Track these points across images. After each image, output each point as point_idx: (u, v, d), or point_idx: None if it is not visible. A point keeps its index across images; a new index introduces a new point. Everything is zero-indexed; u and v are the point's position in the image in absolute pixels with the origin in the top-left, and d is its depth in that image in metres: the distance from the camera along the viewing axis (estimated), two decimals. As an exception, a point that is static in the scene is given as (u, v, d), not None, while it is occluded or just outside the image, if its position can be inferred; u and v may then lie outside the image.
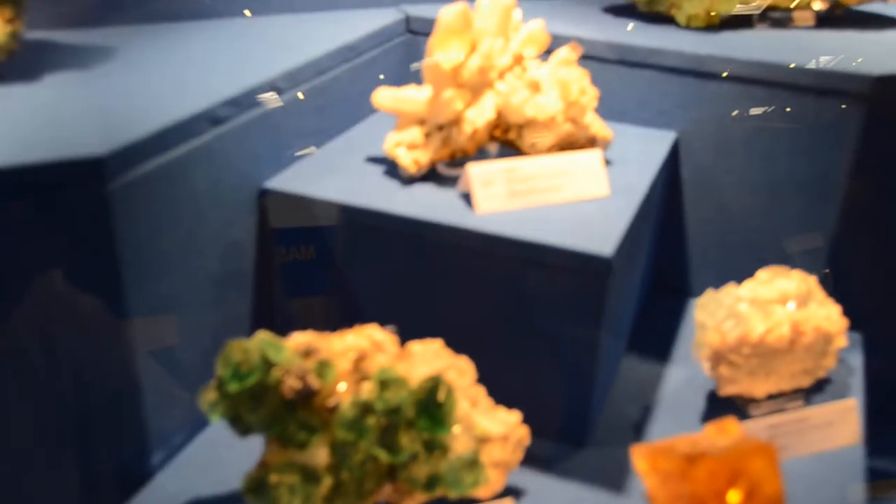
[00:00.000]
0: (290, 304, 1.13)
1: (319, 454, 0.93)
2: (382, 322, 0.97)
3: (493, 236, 0.98)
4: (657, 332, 1.30)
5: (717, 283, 1.29)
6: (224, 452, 1.03)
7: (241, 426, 0.92)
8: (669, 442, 0.91)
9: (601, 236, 0.97)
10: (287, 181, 1.08)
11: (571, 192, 1.06)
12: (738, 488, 0.85)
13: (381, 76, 1.31)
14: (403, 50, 1.39)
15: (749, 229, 1.31)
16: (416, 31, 1.39)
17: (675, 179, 1.32)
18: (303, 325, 1.00)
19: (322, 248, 1.08)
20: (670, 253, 1.37)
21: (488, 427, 0.96)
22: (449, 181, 1.09)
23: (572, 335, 1.01)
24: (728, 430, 0.92)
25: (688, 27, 1.38)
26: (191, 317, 1.01)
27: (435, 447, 0.94)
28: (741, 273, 1.25)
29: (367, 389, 0.93)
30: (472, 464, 0.94)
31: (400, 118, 1.11)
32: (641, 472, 0.91)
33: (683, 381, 1.19)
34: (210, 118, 0.96)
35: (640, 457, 0.91)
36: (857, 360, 1.24)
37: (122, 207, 0.86)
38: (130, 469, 0.98)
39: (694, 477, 0.84)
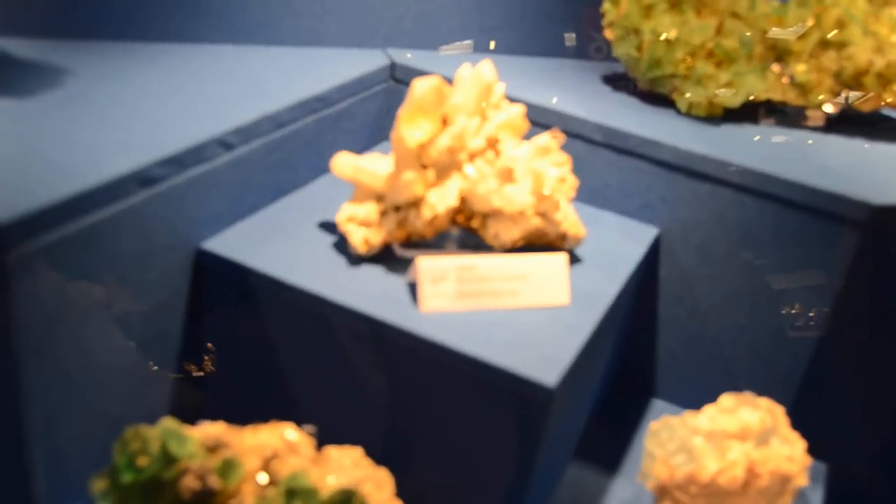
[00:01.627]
0: (215, 375, 1.05)
1: (211, 559, 0.86)
2: (304, 412, 0.90)
3: (432, 342, 0.90)
4: (611, 437, 1.22)
5: (683, 387, 1.23)
6: (121, 527, 0.96)
7: (130, 521, 0.85)
8: None
9: (548, 360, 0.89)
10: (225, 244, 1.00)
11: (528, 298, 0.98)
12: None
13: (353, 126, 1.23)
14: (384, 98, 1.30)
15: (722, 340, 1.23)
16: (400, 80, 1.30)
17: (651, 276, 1.24)
18: (224, 401, 0.93)
19: (253, 320, 1.01)
20: (637, 350, 1.29)
21: (400, 548, 0.88)
22: (401, 264, 1.01)
23: (506, 457, 0.93)
24: None
25: (688, 114, 1.30)
26: (103, 382, 0.93)
27: (338, 567, 0.86)
28: (708, 382, 1.19)
29: (273, 496, 0.85)
30: (376, 591, 0.86)
31: (357, 189, 1.03)
32: None
33: (628, 499, 1.12)
34: (141, 179, 0.88)
35: None
36: (817, 496, 1.17)
37: (25, 277, 0.78)
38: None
39: None
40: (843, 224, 1.11)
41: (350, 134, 1.24)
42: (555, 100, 1.25)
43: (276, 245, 1.02)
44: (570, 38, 1.48)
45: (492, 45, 1.45)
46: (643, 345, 1.29)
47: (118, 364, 0.95)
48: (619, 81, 1.41)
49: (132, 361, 0.97)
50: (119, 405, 0.97)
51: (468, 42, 1.35)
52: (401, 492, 0.89)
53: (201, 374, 1.06)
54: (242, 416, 0.89)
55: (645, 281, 1.23)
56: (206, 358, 1.05)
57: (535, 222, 1.03)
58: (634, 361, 1.30)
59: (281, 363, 1.01)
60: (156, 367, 1.00)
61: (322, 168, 1.19)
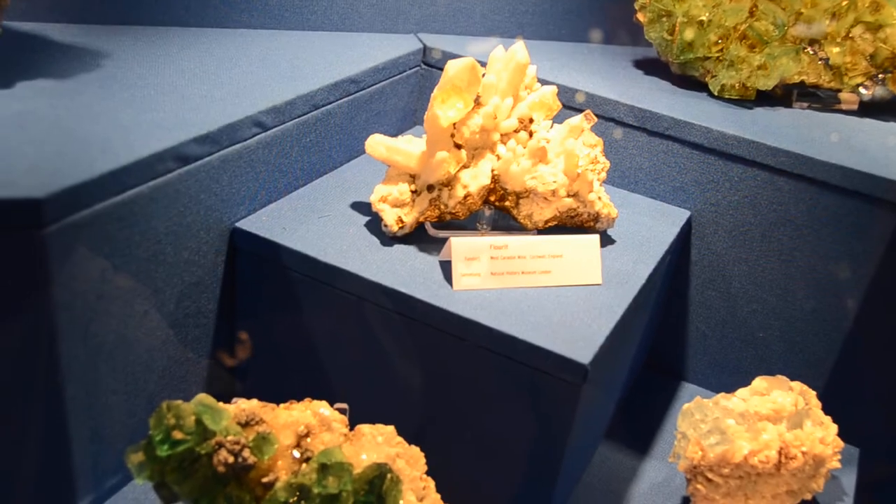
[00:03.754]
0: (250, 354, 1.06)
1: (247, 532, 0.86)
2: (337, 392, 0.91)
3: (465, 320, 0.90)
4: (642, 419, 1.22)
5: (714, 371, 1.22)
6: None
7: (167, 493, 0.86)
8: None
9: (582, 338, 0.89)
10: (259, 224, 1.01)
11: (561, 278, 0.98)
12: None
13: (386, 109, 1.23)
14: (416, 81, 1.31)
15: (754, 324, 1.22)
16: (432, 65, 1.31)
17: (683, 259, 1.23)
18: (257, 381, 0.94)
19: (287, 300, 1.01)
20: (668, 334, 1.29)
21: (433, 524, 0.89)
22: (434, 244, 1.02)
23: (538, 436, 0.93)
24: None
25: (720, 98, 1.29)
26: (138, 359, 0.94)
27: (371, 541, 0.87)
28: (739, 366, 1.18)
29: (307, 471, 0.86)
30: (408, 565, 0.87)
31: (390, 169, 1.03)
32: None
33: (658, 484, 1.12)
34: (177, 156, 0.89)
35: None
36: (850, 479, 1.16)
37: (62, 253, 0.79)
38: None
39: None
40: (879, 205, 1.10)
41: (382, 117, 1.24)
42: (587, 81, 1.25)
43: (309, 225, 1.02)
44: (601, 24, 1.47)
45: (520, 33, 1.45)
46: (674, 327, 1.28)
47: (154, 341, 0.96)
48: (651, 65, 1.41)
49: (167, 339, 0.97)
50: (155, 382, 0.98)
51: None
52: (433, 470, 0.90)
53: (236, 354, 1.07)
54: (276, 394, 0.90)
55: (677, 264, 1.23)
56: (240, 338, 1.06)
57: (568, 202, 1.03)
58: (666, 344, 1.30)
59: (314, 343, 1.02)
60: (191, 346, 1.01)
61: (355, 151, 1.20)
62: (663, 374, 1.31)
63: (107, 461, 0.96)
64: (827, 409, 1.09)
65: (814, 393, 1.09)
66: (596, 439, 1.16)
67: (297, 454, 0.87)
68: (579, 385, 0.87)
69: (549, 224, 1.04)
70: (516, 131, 1.02)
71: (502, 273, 0.96)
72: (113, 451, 0.96)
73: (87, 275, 0.84)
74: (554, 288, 0.97)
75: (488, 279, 0.96)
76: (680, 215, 1.19)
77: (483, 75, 0.99)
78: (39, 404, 0.86)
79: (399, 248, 1.01)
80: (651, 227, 1.13)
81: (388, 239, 1.02)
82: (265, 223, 1.02)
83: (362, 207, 1.08)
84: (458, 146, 0.99)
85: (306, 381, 1.02)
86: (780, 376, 1.09)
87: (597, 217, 1.06)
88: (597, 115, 1.18)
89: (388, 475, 0.87)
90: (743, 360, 1.23)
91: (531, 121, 1.03)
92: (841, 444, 1.08)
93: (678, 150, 1.19)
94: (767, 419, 1.03)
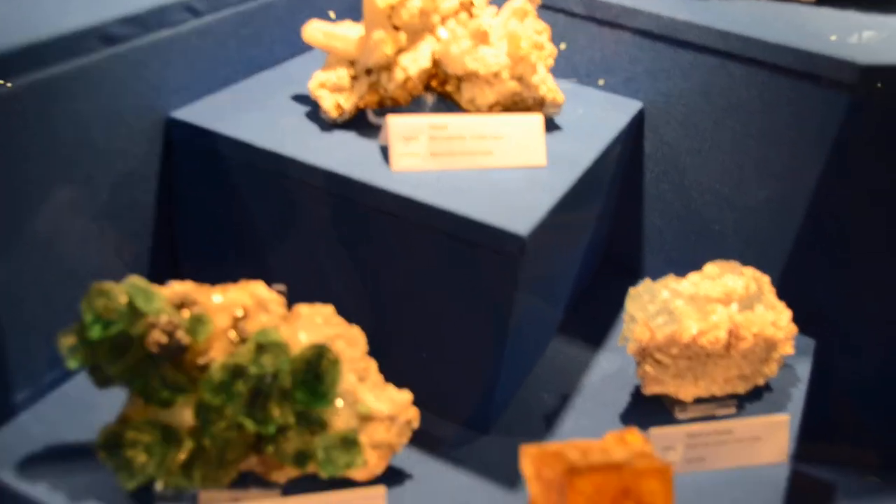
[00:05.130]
0: (189, 244, 1.04)
1: (184, 415, 0.85)
2: (278, 278, 0.89)
3: (402, 198, 0.89)
4: (596, 315, 1.21)
5: (670, 267, 1.20)
6: (100, 397, 0.96)
7: (101, 376, 0.84)
8: (561, 446, 0.82)
9: (521, 212, 0.88)
10: (196, 113, 0.99)
11: (503, 158, 0.96)
12: (624, 508, 0.76)
13: (332, 13, 1.20)
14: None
15: (708, 217, 1.21)
16: (379, -38, 1.27)
17: (636, 153, 1.22)
18: (198, 272, 0.92)
19: (226, 189, 0.99)
20: (624, 230, 1.28)
21: (374, 405, 0.88)
22: (374, 130, 1.00)
23: (480, 315, 0.92)
24: (628, 442, 0.83)
25: (671, -15, 1.26)
26: (74, 249, 0.93)
27: (310, 421, 0.86)
28: (695, 260, 1.16)
29: (243, 351, 0.85)
30: (349, 443, 0.86)
31: (329, 56, 1.01)
32: (527, 476, 0.82)
33: (611, 373, 1.11)
34: (101, 36, 0.86)
35: (527, 459, 0.82)
36: (804, 368, 1.15)
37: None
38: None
39: (578, 490, 0.75)
40: (831, 87, 1.08)
41: (325, 15, 1.21)
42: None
43: (248, 114, 1.00)
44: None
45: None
46: (630, 224, 1.27)
47: (89, 232, 0.94)
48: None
49: (103, 230, 0.95)
50: (92, 275, 0.96)
51: None
52: (375, 352, 0.89)
53: (176, 245, 1.05)
54: (216, 282, 0.88)
55: (630, 157, 1.21)
56: (180, 229, 1.04)
57: (511, 86, 1.01)
58: (621, 241, 1.29)
59: (255, 231, 1.00)
60: (129, 238, 0.99)
61: (298, 47, 1.17)
62: (619, 272, 1.29)
63: (44, 355, 0.94)
64: (783, 301, 1.08)
65: (767, 279, 1.08)
66: (548, 332, 1.15)
67: (233, 336, 0.86)
68: (518, 258, 0.86)
69: (494, 110, 1.02)
70: (456, 13, 1.00)
71: (442, 153, 0.94)
72: (50, 346, 0.94)
73: (12, 155, 0.81)
74: (496, 169, 0.96)
75: (428, 160, 0.94)
76: (631, 106, 1.17)
77: (420, -47, 0.97)
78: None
79: (339, 134, 0.99)
80: (600, 116, 1.12)
81: (329, 126, 1.00)
82: (201, 113, 1.00)
83: (303, 99, 1.05)
84: (397, 28, 0.97)
85: (247, 268, 1.00)
86: (733, 262, 1.07)
87: (542, 102, 1.03)
88: (546, 7, 1.16)
89: (327, 355, 0.86)
90: (699, 254, 1.22)
91: (472, 3, 1.01)
92: (794, 329, 1.07)
93: (628, 38, 1.17)
94: (718, 302, 1.02)
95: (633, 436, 0.84)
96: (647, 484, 0.77)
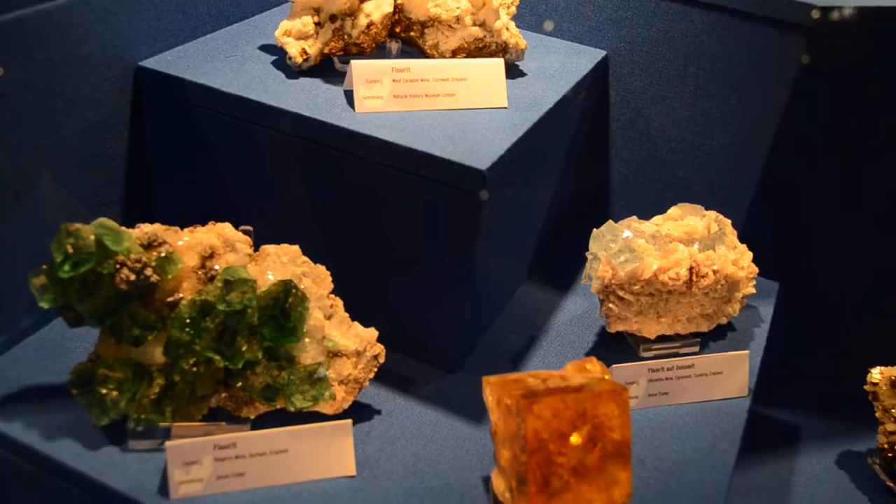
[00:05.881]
0: (162, 192, 1.06)
1: (155, 353, 0.87)
2: (248, 221, 0.91)
3: (366, 136, 0.90)
4: (564, 261, 1.23)
5: (638, 215, 1.22)
6: (75, 342, 0.98)
7: (72, 315, 0.86)
8: (521, 375, 0.84)
9: (482, 149, 0.90)
10: (165, 62, 1.01)
11: (465, 101, 0.98)
12: (581, 431, 0.79)
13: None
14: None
15: (674, 164, 1.23)
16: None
17: (601, 102, 1.23)
18: (170, 219, 0.94)
19: (195, 136, 1.01)
20: (592, 180, 1.30)
21: (341, 341, 0.90)
22: (339, 77, 1.01)
23: (444, 253, 0.94)
24: (588, 370, 0.86)
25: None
26: (46, 197, 0.94)
27: (278, 357, 0.88)
28: (662, 208, 1.18)
29: (211, 288, 0.87)
30: (316, 378, 0.88)
31: (294, 4, 1.02)
32: (488, 405, 0.85)
33: (578, 315, 1.13)
34: (64, -20, 0.88)
35: (488, 388, 0.85)
36: (767, 310, 1.18)
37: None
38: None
39: (536, 414, 0.78)
40: (789, 31, 1.10)
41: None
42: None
43: (216, 63, 1.02)
44: None
45: None
46: (597, 173, 1.29)
47: (60, 179, 0.96)
48: None
49: (75, 178, 0.97)
50: (63, 220, 0.97)
51: None
52: (342, 292, 0.90)
53: (147, 193, 1.07)
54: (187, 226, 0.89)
55: (596, 107, 1.23)
56: (151, 177, 1.06)
57: (474, 31, 1.03)
58: (590, 191, 1.31)
59: (224, 175, 1.02)
60: (101, 186, 1.01)
61: (267, 2, 1.19)
62: (588, 221, 1.30)
63: (19, 302, 0.96)
64: (749, 246, 1.10)
65: (729, 221, 1.10)
66: (516, 277, 1.17)
67: (202, 275, 0.88)
68: (479, 192, 0.88)
69: (457, 56, 1.04)
70: (419, -40, 1.01)
71: (405, 96, 0.96)
72: (25, 293, 0.96)
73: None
74: (458, 111, 0.97)
75: (391, 102, 0.96)
76: (594, 54, 1.18)
77: None
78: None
79: (305, 80, 1.00)
80: (564, 64, 1.13)
81: (295, 73, 1.02)
82: (170, 62, 1.01)
83: (271, 49, 1.07)
84: (360, -25, 0.99)
85: (217, 213, 1.02)
86: (696, 205, 1.09)
87: (505, 47, 1.05)
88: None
89: (293, 291, 0.88)
90: (666, 202, 1.23)
91: (434, -50, 1.02)
92: (755, 269, 1.10)
93: (592, -13, 1.19)
94: (679, 241, 1.04)
95: (593, 364, 0.87)
96: (603, 407, 0.80)
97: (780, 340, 1.15)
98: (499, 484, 0.82)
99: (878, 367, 1.17)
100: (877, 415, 1.17)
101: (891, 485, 1.20)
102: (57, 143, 0.94)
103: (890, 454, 1.17)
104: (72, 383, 0.86)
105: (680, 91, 1.18)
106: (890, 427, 1.16)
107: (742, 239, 1.12)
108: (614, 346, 1.07)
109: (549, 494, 0.78)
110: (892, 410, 1.16)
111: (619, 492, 0.79)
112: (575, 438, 0.79)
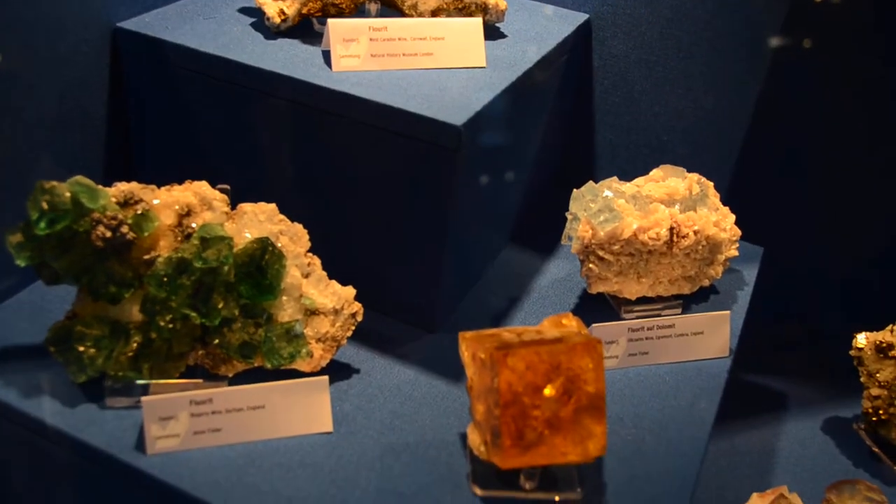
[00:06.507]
0: (142, 153, 1.06)
1: (132, 311, 0.87)
2: (226, 181, 0.91)
3: (342, 94, 0.90)
4: (548, 226, 1.22)
5: (622, 178, 1.22)
6: (54, 304, 0.98)
7: (48, 273, 0.86)
8: (496, 331, 0.84)
9: (458, 105, 0.89)
10: (144, 23, 1.00)
11: (443, 60, 0.98)
12: (555, 384, 0.79)
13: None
14: None
15: (658, 128, 1.23)
16: None
17: (586, 67, 1.23)
18: (150, 179, 0.94)
19: (174, 97, 1.01)
20: (576, 145, 1.29)
21: (318, 299, 0.90)
22: (318, 38, 1.01)
23: (422, 211, 0.94)
24: (563, 325, 0.86)
25: None
26: (23, 156, 0.94)
27: (255, 314, 0.88)
28: (647, 172, 1.18)
29: (188, 246, 0.87)
30: (293, 335, 0.88)
31: (273, -35, 1.02)
32: (464, 360, 0.85)
33: (560, 278, 1.13)
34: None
35: (464, 344, 0.85)
36: (751, 274, 1.17)
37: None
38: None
39: (510, 366, 0.78)
40: (770, -9, 1.09)
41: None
42: None
43: (194, 24, 1.02)
44: None
45: None
46: (582, 139, 1.28)
47: (36, 139, 0.95)
48: None
49: (51, 138, 0.97)
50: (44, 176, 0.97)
51: None
52: (320, 250, 0.90)
53: (128, 154, 1.07)
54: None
55: (580, 72, 1.23)
56: (131, 139, 1.06)
57: (454, -8, 1.02)
58: (575, 157, 1.30)
59: (203, 135, 1.02)
60: (80, 147, 1.01)
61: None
62: (573, 186, 1.30)
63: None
64: (733, 211, 1.10)
65: (711, 184, 1.10)
66: (498, 240, 1.17)
67: (178, 233, 0.88)
68: (455, 150, 0.88)
69: (437, 16, 1.03)
70: (398, -80, 1.01)
71: (382, 55, 0.96)
72: (3, 254, 0.96)
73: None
74: (436, 70, 0.97)
75: (368, 61, 0.95)
76: (577, 17, 1.18)
77: None
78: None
79: (283, 41, 1.00)
80: (546, 26, 1.13)
81: (273, 34, 1.01)
82: (148, 24, 1.01)
83: (249, 11, 1.07)
84: (338, -65, 0.98)
85: (197, 173, 1.02)
86: (679, 167, 1.09)
87: (484, 7, 1.05)
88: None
89: (270, 249, 0.88)
90: (650, 166, 1.23)
91: None
92: (738, 232, 1.10)
93: (575, -50, 1.18)
94: (660, 202, 1.04)
95: (569, 319, 0.87)
96: (578, 360, 0.80)
97: (765, 306, 1.15)
98: (474, 438, 0.82)
99: (864, 333, 1.17)
100: (861, 380, 1.17)
101: (876, 450, 1.20)
102: (34, 103, 0.94)
103: (874, 418, 1.17)
104: (49, 341, 0.86)
105: (663, 55, 1.18)
106: (874, 391, 1.16)
107: (727, 203, 1.12)
108: (596, 308, 1.07)
109: (523, 447, 0.78)
110: (877, 375, 1.16)
111: (593, 444, 0.79)
112: (549, 391, 0.78)
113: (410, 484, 0.81)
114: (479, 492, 0.81)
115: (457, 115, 0.87)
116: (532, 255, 1.17)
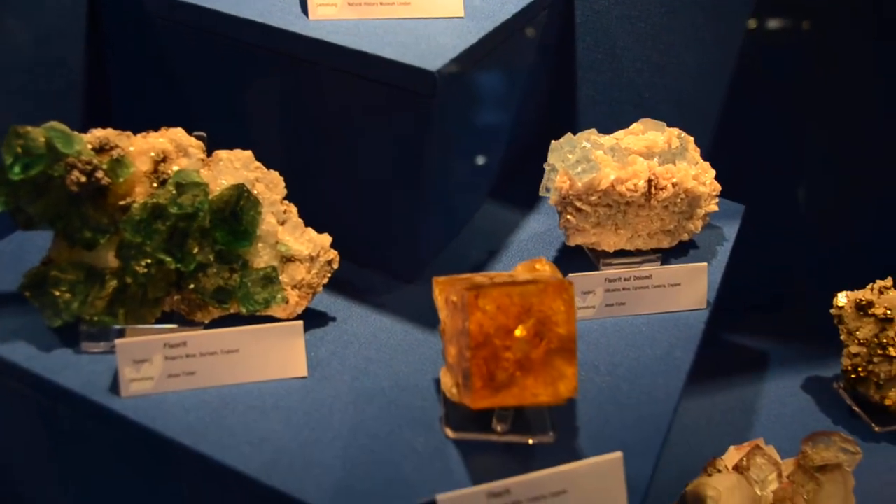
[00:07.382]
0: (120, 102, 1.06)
1: (108, 257, 0.88)
2: (203, 128, 0.91)
3: (318, 41, 0.90)
4: (528, 182, 1.22)
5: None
6: (31, 254, 0.98)
7: (24, 217, 0.86)
8: (469, 275, 0.85)
9: (434, 52, 0.89)
10: (119, -30, 1.00)
11: (421, 10, 0.98)
12: (527, 325, 0.79)
13: None
14: None
15: (640, 84, 1.23)
16: None
17: (568, 23, 1.23)
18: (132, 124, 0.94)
19: (150, 46, 1.00)
20: (560, 103, 1.29)
21: (294, 246, 0.90)
22: (296, -11, 1.01)
23: (398, 160, 0.94)
24: (536, 269, 0.86)
25: None
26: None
27: (230, 260, 0.88)
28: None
29: (163, 192, 0.87)
30: (268, 281, 0.88)
31: (251, -86, 1.01)
32: (437, 305, 0.85)
33: (540, 232, 1.13)
34: None
35: (437, 288, 0.85)
36: (731, 231, 1.18)
37: None
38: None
39: (480, 308, 0.78)
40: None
41: None
42: None
43: (171, -25, 1.01)
44: None
45: None
46: (564, 96, 1.28)
47: (14, 84, 0.95)
48: None
49: (27, 85, 0.97)
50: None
51: None
52: (297, 198, 0.90)
53: (105, 104, 1.07)
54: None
55: (562, 29, 1.22)
56: (109, 88, 1.06)
57: (432, -58, 1.02)
58: (557, 115, 1.30)
59: (179, 83, 1.02)
60: (58, 95, 1.01)
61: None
62: (556, 144, 1.31)
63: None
64: (715, 167, 1.10)
65: (691, 138, 1.10)
66: (478, 195, 1.17)
67: (153, 179, 0.88)
68: (430, 96, 0.88)
69: (416, -32, 1.03)
70: None
71: (360, 3, 0.96)
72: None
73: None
74: (413, 19, 0.97)
75: (345, 9, 0.95)
76: (560, -27, 1.18)
77: None
78: None
79: (260, -8, 1.00)
80: (527, -20, 1.13)
81: (251, -16, 1.01)
82: (125, -28, 1.01)
83: (229, -38, 1.06)
84: None
85: (175, 120, 1.02)
86: (660, 121, 1.09)
87: (464, -41, 1.04)
88: None
89: (245, 195, 0.88)
90: (632, 123, 1.24)
91: None
92: (718, 187, 1.10)
93: None
94: (639, 154, 1.04)
95: (542, 264, 0.87)
96: (549, 301, 0.80)
97: (747, 263, 1.15)
98: (446, 381, 0.83)
99: (844, 292, 1.18)
100: (841, 338, 1.18)
101: (855, 408, 1.21)
102: (10, 49, 0.93)
103: (853, 376, 1.18)
104: (25, 286, 0.86)
105: (645, 10, 1.18)
106: (854, 349, 1.17)
107: (709, 161, 1.11)
108: (575, 261, 1.07)
109: (493, 388, 0.78)
110: (856, 333, 1.16)
111: (564, 386, 0.80)
112: (520, 332, 0.79)
113: (383, 426, 0.82)
114: (451, 434, 0.81)
115: (432, 62, 0.87)
116: (512, 210, 1.17)
